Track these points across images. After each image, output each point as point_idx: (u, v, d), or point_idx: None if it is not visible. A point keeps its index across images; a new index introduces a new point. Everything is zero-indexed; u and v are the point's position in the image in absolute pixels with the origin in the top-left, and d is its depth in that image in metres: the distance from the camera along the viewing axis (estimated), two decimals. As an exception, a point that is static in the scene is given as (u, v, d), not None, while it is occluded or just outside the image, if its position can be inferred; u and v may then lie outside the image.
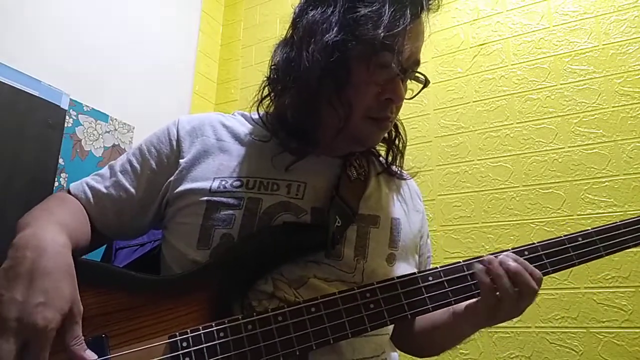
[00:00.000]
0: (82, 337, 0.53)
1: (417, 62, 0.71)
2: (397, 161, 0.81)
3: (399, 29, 0.63)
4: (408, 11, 0.65)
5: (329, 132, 0.70)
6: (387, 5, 0.64)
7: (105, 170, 0.75)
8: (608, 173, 1.45)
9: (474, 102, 1.73)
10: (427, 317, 0.75)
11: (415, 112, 1.81)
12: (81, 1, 1.74)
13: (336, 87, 0.67)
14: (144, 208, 0.72)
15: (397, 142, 0.81)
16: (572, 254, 0.67)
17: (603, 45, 1.56)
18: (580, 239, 0.68)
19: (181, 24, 2.25)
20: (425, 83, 0.74)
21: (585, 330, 1.37)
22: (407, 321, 0.78)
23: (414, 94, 0.74)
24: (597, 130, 1.50)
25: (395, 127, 0.81)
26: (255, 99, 0.75)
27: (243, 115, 0.79)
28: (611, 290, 1.37)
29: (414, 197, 0.84)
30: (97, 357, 0.53)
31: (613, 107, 1.49)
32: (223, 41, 2.49)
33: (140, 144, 0.76)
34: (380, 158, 0.83)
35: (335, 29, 0.65)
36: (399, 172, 0.82)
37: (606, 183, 1.45)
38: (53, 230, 0.59)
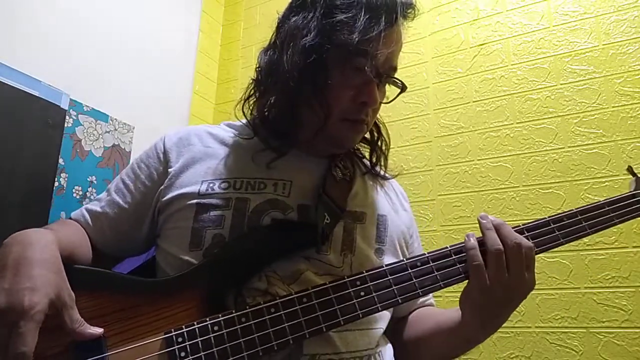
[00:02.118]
0: (82, 320, 0.55)
1: (393, 68, 0.73)
2: (381, 162, 0.83)
3: (373, 34, 0.65)
4: (383, 18, 0.66)
5: (309, 132, 0.72)
6: (363, 12, 0.66)
7: (102, 194, 0.79)
8: (608, 173, 1.45)
9: (474, 102, 1.72)
10: (432, 321, 0.75)
11: (415, 112, 1.81)
12: (81, 2, 1.74)
13: (314, 90, 0.69)
14: (139, 221, 0.74)
15: (379, 143, 0.83)
16: (557, 233, 0.68)
17: (603, 45, 1.56)
18: (565, 219, 0.70)
19: (181, 24, 2.25)
20: (402, 89, 0.75)
21: (585, 330, 1.37)
22: (412, 329, 0.79)
23: (390, 99, 0.75)
24: (597, 130, 1.50)
25: (378, 128, 0.83)
26: (241, 99, 0.78)
27: (229, 125, 0.82)
28: (611, 290, 1.37)
29: (400, 197, 0.86)
30: (102, 330, 0.55)
31: (613, 107, 1.49)
32: (223, 41, 2.48)
33: (131, 163, 0.79)
34: (364, 160, 0.85)
35: (313, 33, 0.68)
36: (382, 173, 0.84)
37: (606, 183, 1.45)
38: (41, 230, 0.61)
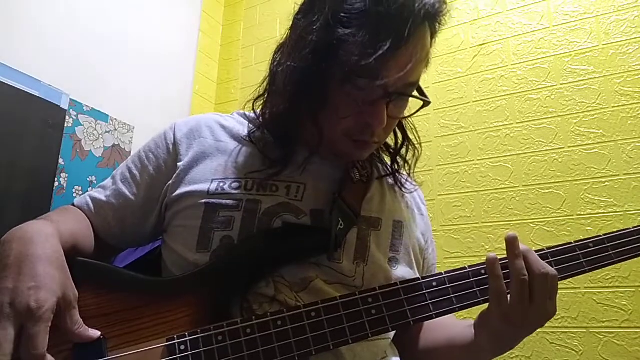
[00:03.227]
0: (81, 321, 0.54)
1: (410, 85, 0.64)
2: (404, 169, 0.78)
3: (372, 58, 0.56)
4: (391, 37, 0.56)
5: (312, 142, 0.68)
6: (366, 29, 0.57)
7: (107, 181, 0.75)
8: (608, 173, 1.45)
9: (474, 102, 1.72)
10: (444, 333, 0.73)
11: (415, 112, 1.80)
12: (81, 2, 1.74)
13: (311, 108, 0.64)
14: (145, 214, 0.72)
15: (403, 150, 0.77)
16: (582, 260, 0.65)
17: (603, 45, 1.56)
18: (591, 245, 0.66)
19: (181, 24, 2.25)
20: (423, 104, 0.66)
21: (585, 330, 1.37)
22: (423, 338, 0.76)
23: (409, 114, 0.69)
24: (597, 130, 1.50)
25: (403, 132, 0.77)
26: (252, 97, 0.74)
27: (242, 115, 0.78)
28: (611, 290, 1.37)
29: (418, 201, 0.82)
30: (100, 334, 0.54)
31: (613, 107, 1.49)
32: (223, 41, 2.48)
33: (139, 150, 0.76)
34: (385, 161, 0.80)
35: (309, 49, 0.61)
36: (403, 179, 0.79)
37: (606, 183, 1.45)
38: (40, 223, 0.59)
